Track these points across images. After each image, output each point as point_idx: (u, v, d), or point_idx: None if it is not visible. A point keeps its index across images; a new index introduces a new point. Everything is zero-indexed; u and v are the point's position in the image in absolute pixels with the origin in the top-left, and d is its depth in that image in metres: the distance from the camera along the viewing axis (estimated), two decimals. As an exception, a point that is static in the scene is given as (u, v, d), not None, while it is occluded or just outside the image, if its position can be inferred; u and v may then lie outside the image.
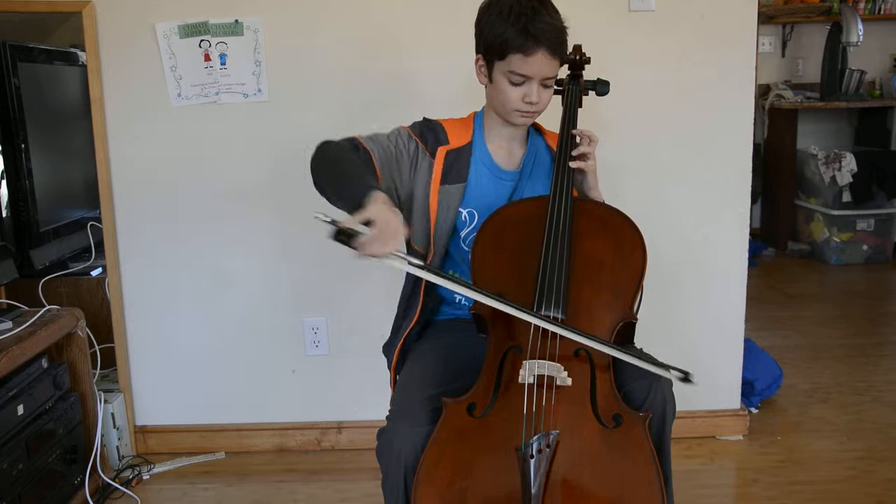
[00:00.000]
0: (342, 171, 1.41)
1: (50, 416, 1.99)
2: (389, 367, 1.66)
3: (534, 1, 1.46)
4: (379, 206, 1.26)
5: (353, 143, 1.53)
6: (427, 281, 1.59)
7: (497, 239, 1.50)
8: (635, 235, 1.48)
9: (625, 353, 1.33)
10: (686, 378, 1.33)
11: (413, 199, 1.59)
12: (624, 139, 2.25)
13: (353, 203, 1.29)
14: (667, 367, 1.35)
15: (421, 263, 1.29)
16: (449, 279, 1.35)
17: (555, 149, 1.65)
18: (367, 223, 1.23)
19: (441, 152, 1.58)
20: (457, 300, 1.66)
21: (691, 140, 2.29)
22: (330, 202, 1.42)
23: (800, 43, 4.97)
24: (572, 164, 1.53)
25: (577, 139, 1.57)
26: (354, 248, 1.23)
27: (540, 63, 1.47)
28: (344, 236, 1.23)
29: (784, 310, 3.75)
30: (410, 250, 1.63)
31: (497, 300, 1.32)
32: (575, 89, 1.65)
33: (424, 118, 1.66)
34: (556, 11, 1.49)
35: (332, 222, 1.23)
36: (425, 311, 1.62)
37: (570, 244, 1.44)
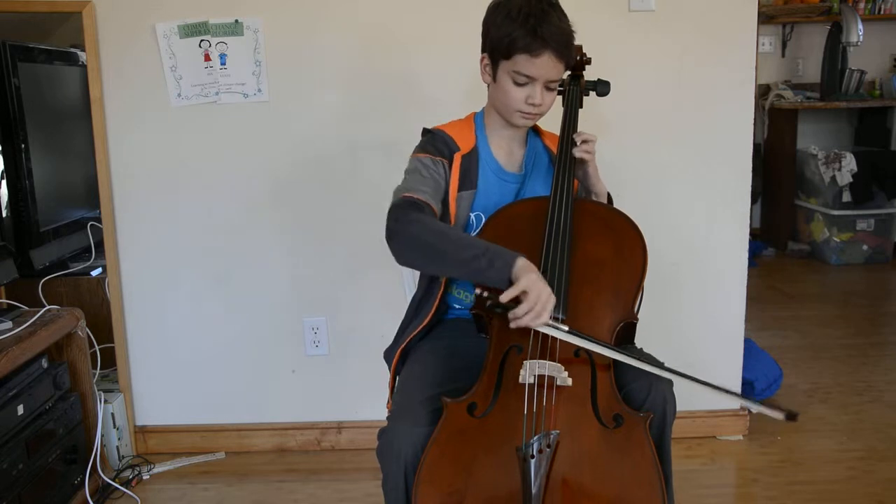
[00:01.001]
0: (451, 246, 1.37)
1: (50, 416, 1.99)
2: (389, 370, 1.65)
3: (544, 3, 1.45)
4: (531, 278, 1.29)
5: (415, 205, 1.45)
6: (444, 286, 1.58)
7: (498, 239, 1.49)
8: (636, 236, 1.48)
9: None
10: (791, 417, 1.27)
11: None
12: (624, 139, 2.25)
13: (496, 278, 1.31)
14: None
15: (566, 329, 1.32)
16: (595, 342, 1.34)
17: (552, 149, 1.65)
18: (522, 292, 1.28)
19: (457, 159, 1.56)
20: (462, 299, 1.65)
21: (691, 140, 2.29)
22: (444, 275, 1.44)
23: (800, 43, 4.97)
24: (577, 153, 1.54)
25: (577, 137, 1.57)
26: (509, 319, 1.29)
27: (546, 65, 1.46)
28: (500, 309, 1.30)
29: (784, 310, 3.75)
30: None
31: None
32: (576, 89, 1.65)
33: (425, 130, 1.62)
34: (566, 16, 1.49)
35: (490, 300, 1.30)
36: (438, 314, 1.61)
37: (570, 244, 1.44)
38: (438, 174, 1.53)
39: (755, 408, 1.27)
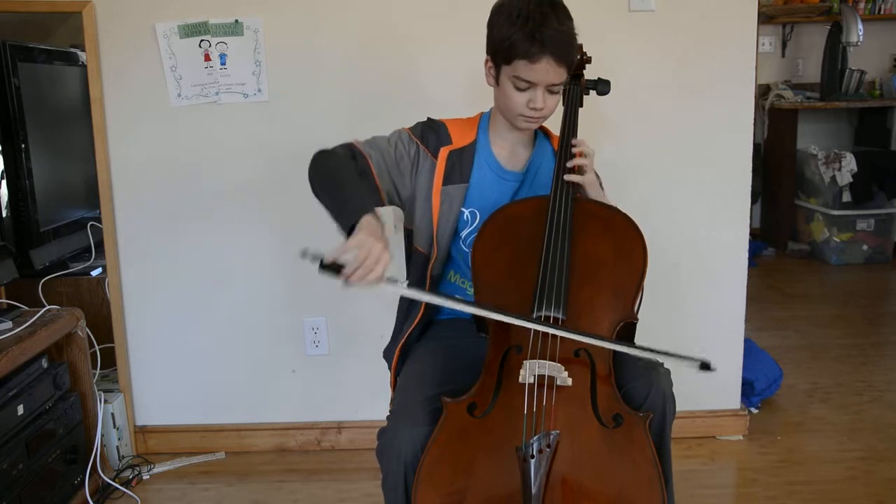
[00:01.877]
0: (337, 186, 1.41)
1: (50, 416, 1.99)
2: (390, 369, 1.66)
3: (545, 6, 1.43)
4: (361, 235, 1.26)
5: (350, 150, 1.53)
6: (431, 283, 1.59)
7: (497, 238, 1.49)
8: (636, 235, 1.48)
9: (627, 346, 1.33)
10: (705, 366, 1.27)
11: (415, 200, 1.59)
12: (624, 139, 2.25)
13: (345, 228, 1.31)
14: (679, 357, 1.30)
15: (410, 288, 1.31)
16: (444, 298, 1.36)
17: (559, 151, 1.65)
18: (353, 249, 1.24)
19: (443, 153, 1.57)
20: (460, 286, 1.66)
21: (691, 140, 2.29)
22: (327, 211, 1.42)
23: (800, 43, 4.97)
24: (566, 178, 1.51)
25: (573, 148, 1.55)
26: (343, 279, 1.24)
27: (545, 70, 1.45)
28: (331, 269, 1.23)
29: (784, 310, 3.75)
30: (414, 252, 1.63)
31: (494, 311, 1.31)
32: (576, 89, 1.64)
33: (428, 118, 1.65)
34: (568, 18, 1.47)
35: (317, 258, 1.23)
36: (428, 312, 1.62)
37: (570, 244, 1.43)
38: (406, 153, 1.58)
39: (670, 360, 1.27)
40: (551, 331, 1.33)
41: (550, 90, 1.50)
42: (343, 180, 1.42)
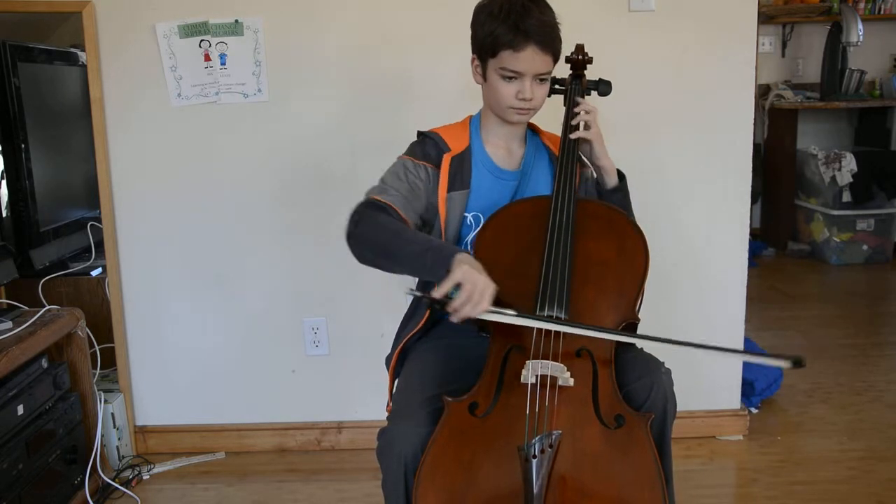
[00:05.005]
0: (398, 244, 1.40)
1: (50, 416, 1.99)
2: (388, 372, 1.65)
3: (526, 0, 1.46)
4: (464, 270, 1.30)
5: (377, 207, 1.48)
6: None
7: (499, 238, 1.49)
8: (638, 236, 1.48)
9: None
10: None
11: (427, 213, 1.58)
12: (624, 139, 2.24)
13: (436, 272, 1.32)
14: (688, 345, 1.32)
15: (513, 312, 1.33)
16: (537, 319, 1.36)
17: (552, 147, 1.65)
18: (457, 286, 1.29)
19: (446, 159, 1.57)
20: None
21: (691, 140, 2.29)
22: (396, 272, 1.45)
23: (800, 43, 4.97)
24: (573, 135, 1.54)
25: (576, 107, 1.58)
26: (449, 313, 1.30)
27: (531, 59, 1.46)
28: (439, 305, 1.31)
29: (784, 310, 3.75)
30: None
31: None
32: (577, 89, 1.64)
33: (419, 133, 1.64)
34: (549, 9, 1.49)
35: (425, 297, 1.31)
36: (433, 316, 1.61)
37: (572, 244, 1.43)
38: (419, 178, 1.55)
39: (756, 360, 1.27)
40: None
41: (538, 79, 1.51)
42: (404, 238, 1.42)
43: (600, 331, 1.35)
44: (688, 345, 1.31)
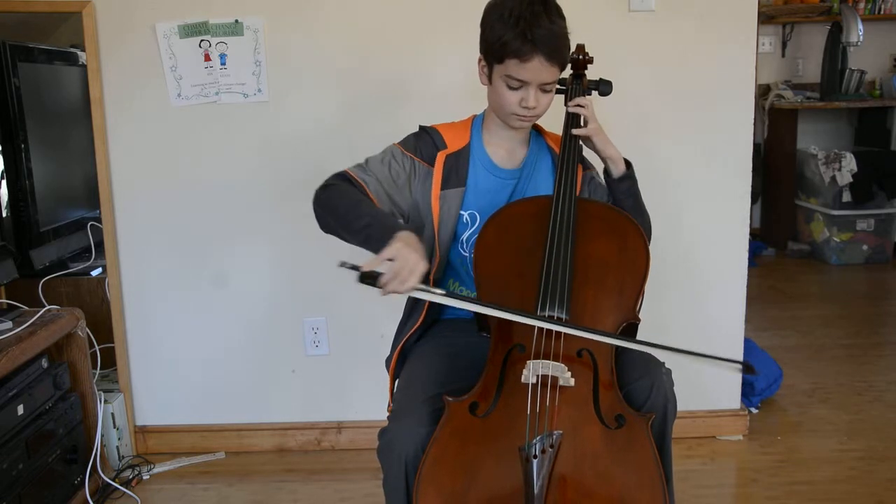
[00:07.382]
0: (353, 214, 1.43)
1: (50, 416, 1.99)
2: (388, 373, 1.65)
3: (536, 5, 1.43)
4: (397, 246, 1.30)
5: (347, 179, 1.52)
6: (435, 282, 1.59)
7: (500, 237, 1.49)
8: (639, 236, 1.48)
9: (631, 342, 1.33)
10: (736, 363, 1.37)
11: (417, 210, 1.59)
12: (624, 139, 2.22)
13: (376, 244, 1.34)
14: (683, 353, 1.33)
15: (442, 292, 1.34)
16: (471, 301, 1.37)
17: (555, 148, 1.65)
18: (390, 261, 1.30)
19: (440, 157, 1.57)
20: (460, 292, 1.65)
21: (691, 140, 2.29)
22: (349, 242, 1.45)
23: (800, 43, 4.97)
24: (574, 132, 1.56)
25: (569, 108, 1.60)
26: (379, 288, 1.31)
27: (537, 69, 1.44)
28: (369, 279, 1.31)
29: (784, 310, 3.75)
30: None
31: (512, 313, 1.33)
32: (578, 89, 1.64)
33: (420, 127, 1.64)
34: (561, 17, 1.47)
35: (354, 268, 1.31)
36: (429, 316, 1.61)
37: (573, 244, 1.43)
38: (402, 168, 1.58)
39: (707, 363, 1.34)
40: (562, 328, 1.33)
41: (543, 89, 1.50)
42: (358, 208, 1.44)
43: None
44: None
